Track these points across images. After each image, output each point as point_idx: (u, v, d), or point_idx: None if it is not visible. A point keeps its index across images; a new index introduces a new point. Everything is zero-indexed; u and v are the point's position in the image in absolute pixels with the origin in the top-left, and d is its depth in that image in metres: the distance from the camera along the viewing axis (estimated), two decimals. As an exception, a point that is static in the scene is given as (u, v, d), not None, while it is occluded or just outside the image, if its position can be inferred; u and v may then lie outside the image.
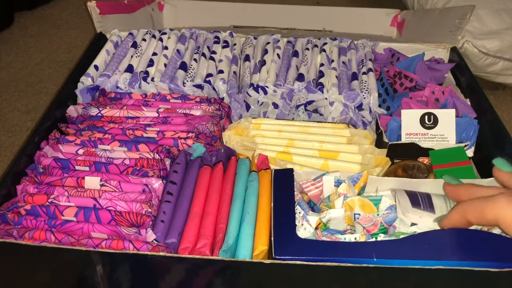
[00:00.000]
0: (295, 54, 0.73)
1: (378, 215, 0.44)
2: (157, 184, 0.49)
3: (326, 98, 0.65)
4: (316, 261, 0.39)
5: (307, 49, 0.75)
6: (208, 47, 0.74)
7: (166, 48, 0.72)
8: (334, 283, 0.42)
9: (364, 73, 0.68)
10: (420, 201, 0.45)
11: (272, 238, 0.42)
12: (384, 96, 0.67)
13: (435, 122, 0.60)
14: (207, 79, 0.66)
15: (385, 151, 0.58)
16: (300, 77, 0.67)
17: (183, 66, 0.69)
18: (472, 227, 0.42)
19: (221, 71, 0.69)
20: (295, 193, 0.47)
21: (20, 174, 0.51)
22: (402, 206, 0.44)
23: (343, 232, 0.44)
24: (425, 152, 0.58)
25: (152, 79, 0.65)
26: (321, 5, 1.50)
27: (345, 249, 0.41)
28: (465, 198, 0.41)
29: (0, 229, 0.46)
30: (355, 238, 0.42)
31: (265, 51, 0.73)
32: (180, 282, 0.43)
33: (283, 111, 0.67)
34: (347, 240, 0.43)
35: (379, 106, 0.66)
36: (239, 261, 0.42)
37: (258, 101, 0.66)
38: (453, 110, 0.60)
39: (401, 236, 0.42)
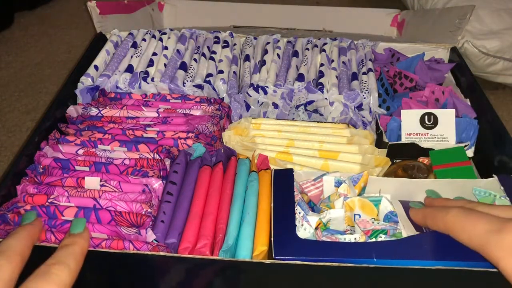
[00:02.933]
0: (295, 54, 0.73)
1: (378, 222, 0.44)
2: (157, 184, 0.49)
3: (326, 98, 0.65)
4: (316, 261, 0.39)
5: (307, 49, 0.75)
6: (208, 47, 0.74)
7: (166, 48, 0.72)
8: (334, 283, 0.42)
9: (364, 73, 0.68)
10: None
11: (272, 238, 0.42)
12: (384, 96, 0.67)
13: (435, 122, 0.60)
14: (207, 79, 0.66)
15: (385, 151, 0.58)
16: (300, 77, 0.67)
17: (183, 66, 0.69)
18: None
19: (221, 71, 0.69)
20: (295, 193, 0.47)
21: (20, 174, 0.51)
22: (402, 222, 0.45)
23: (343, 233, 0.44)
24: (425, 152, 0.59)
25: (152, 79, 0.65)
26: (321, 5, 1.50)
27: (345, 249, 0.41)
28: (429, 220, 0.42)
29: (0, 229, 0.46)
30: (355, 239, 0.42)
31: (265, 51, 0.73)
32: (180, 282, 0.43)
33: (283, 111, 0.67)
34: (347, 240, 0.43)
35: (379, 106, 0.66)
36: (239, 261, 0.42)
37: (258, 101, 0.66)
38: (453, 110, 0.60)
39: (401, 237, 0.42)
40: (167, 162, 0.53)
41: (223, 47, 0.75)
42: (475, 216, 0.35)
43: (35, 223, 0.31)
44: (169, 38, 0.75)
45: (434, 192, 0.47)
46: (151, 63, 0.69)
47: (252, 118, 0.63)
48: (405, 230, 0.44)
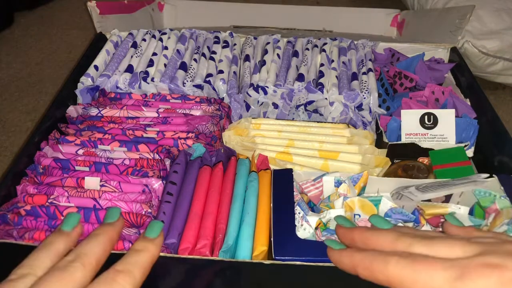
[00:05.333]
0: (295, 54, 0.73)
1: None
2: (157, 184, 0.49)
3: (326, 98, 0.65)
4: (316, 261, 0.39)
5: (307, 49, 0.75)
6: (208, 47, 0.74)
7: (166, 48, 0.72)
8: (334, 283, 0.42)
9: (364, 73, 0.68)
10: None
11: (272, 239, 0.42)
12: (384, 96, 0.67)
13: (435, 122, 0.60)
14: (207, 79, 0.66)
15: (385, 151, 0.58)
16: (300, 77, 0.67)
17: (183, 66, 0.69)
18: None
19: (221, 71, 0.69)
20: (295, 193, 0.47)
21: (20, 175, 0.51)
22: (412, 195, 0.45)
23: (343, 233, 0.44)
24: (425, 152, 0.58)
25: (152, 79, 0.65)
26: (321, 5, 1.50)
27: (345, 249, 0.41)
28: (359, 244, 0.35)
29: (0, 229, 0.46)
30: (355, 239, 0.42)
31: (265, 51, 0.73)
32: (180, 282, 0.43)
33: (283, 111, 0.67)
34: (347, 240, 0.42)
35: (379, 106, 0.66)
36: (239, 262, 0.42)
37: (258, 101, 0.66)
38: (453, 110, 0.60)
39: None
40: (167, 162, 0.53)
41: (223, 47, 0.75)
42: (424, 265, 0.28)
43: (117, 224, 0.30)
44: (169, 38, 0.75)
45: (343, 217, 0.40)
46: (151, 63, 0.69)
47: (252, 118, 0.63)
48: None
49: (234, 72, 0.69)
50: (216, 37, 0.77)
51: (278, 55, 0.72)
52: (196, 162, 0.53)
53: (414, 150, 0.59)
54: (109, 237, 0.29)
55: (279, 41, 0.77)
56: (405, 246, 0.31)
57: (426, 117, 0.60)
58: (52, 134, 0.57)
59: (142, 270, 0.27)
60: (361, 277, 0.33)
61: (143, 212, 0.46)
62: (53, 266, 0.26)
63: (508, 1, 1.12)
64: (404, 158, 0.59)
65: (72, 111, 0.61)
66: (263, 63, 0.71)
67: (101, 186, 0.49)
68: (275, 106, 0.66)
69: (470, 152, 0.60)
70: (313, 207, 0.49)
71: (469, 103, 0.67)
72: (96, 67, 0.68)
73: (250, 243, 0.45)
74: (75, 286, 0.25)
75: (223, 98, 0.66)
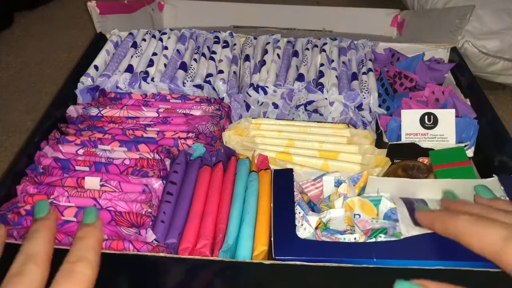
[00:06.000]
0: (295, 54, 0.73)
1: (376, 221, 0.44)
2: (157, 184, 0.49)
3: (326, 98, 0.65)
4: (316, 261, 0.39)
5: (307, 49, 0.75)
6: (208, 47, 0.74)
7: (166, 48, 0.72)
8: (334, 283, 0.42)
9: (364, 73, 0.68)
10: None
11: (272, 239, 0.42)
12: (384, 96, 0.67)
13: (435, 122, 0.60)
14: (207, 79, 0.66)
15: (385, 151, 0.58)
16: (300, 77, 0.67)
17: (183, 66, 0.69)
18: None
19: (221, 71, 0.69)
20: (295, 193, 0.47)
21: (20, 174, 0.51)
22: (403, 222, 0.44)
23: (343, 232, 0.44)
24: (425, 152, 0.58)
25: (152, 79, 0.65)
26: (321, 5, 1.50)
27: (345, 249, 0.41)
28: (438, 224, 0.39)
29: (0, 229, 0.46)
30: (355, 238, 0.42)
31: (265, 51, 0.73)
32: (180, 282, 0.43)
33: (283, 111, 0.67)
34: (346, 240, 0.43)
35: (379, 106, 0.66)
36: (239, 262, 0.42)
37: (258, 101, 0.66)
38: (453, 110, 0.60)
39: (401, 236, 0.42)
40: (167, 162, 0.53)
41: (223, 47, 0.75)
42: (488, 223, 0.33)
43: (50, 216, 0.30)
44: (169, 38, 0.75)
45: (452, 193, 0.45)
46: (151, 63, 0.69)
47: (252, 118, 0.63)
48: (405, 226, 0.44)
49: (234, 72, 0.69)
50: (216, 37, 0.77)
51: (278, 55, 0.72)
52: (196, 162, 0.53)
53: (414, 150, 0.59)
54: (48, 230, 0.29)
55: (279, 41, 0.77)
56: (487, 214, 0.36)
57: (426, 117, 0.60)
58: (52, 134, 0.57)
59: (94, 251, 0.27)
60: (438, 232, 0.38)
61: (143, 212, 0.46)
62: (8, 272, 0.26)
63: (508, 1, 1.12)
64: (404, 158, 0.59)
65: (72, 111, 0.61)
66: (263, 63, 0.71)
67: (101, 186, 0.49)
68: (275, 106, 0.66)
69: (470, 152, 0.60)
70: (313, 207, 0.49)
71: (469, 103, 0.67)
72: (96, 67, 0.68)
73: (250, 243, 0.45)
74: (37, 284, 0.25)
75: (223, 98, 0.66)
